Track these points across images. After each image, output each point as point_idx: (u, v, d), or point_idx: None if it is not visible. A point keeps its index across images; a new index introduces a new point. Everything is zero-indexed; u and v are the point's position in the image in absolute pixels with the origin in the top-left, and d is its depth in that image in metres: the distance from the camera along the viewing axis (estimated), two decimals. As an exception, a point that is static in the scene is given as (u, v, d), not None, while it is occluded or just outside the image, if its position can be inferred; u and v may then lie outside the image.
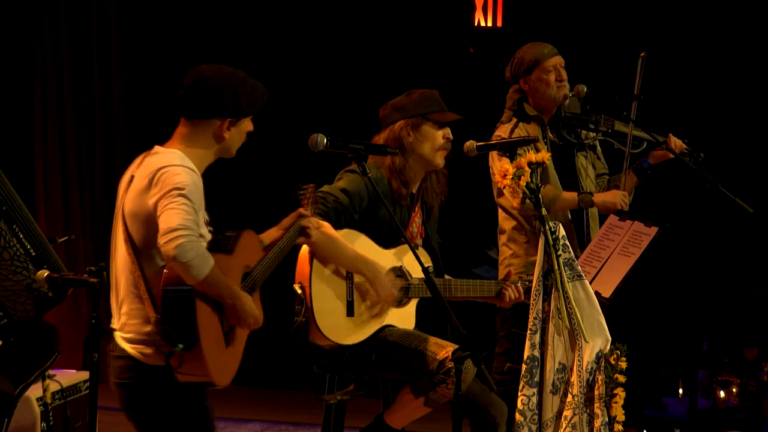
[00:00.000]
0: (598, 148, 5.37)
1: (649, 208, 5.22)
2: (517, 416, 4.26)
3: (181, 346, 3.34)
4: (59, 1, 7.86)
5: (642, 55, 5.16)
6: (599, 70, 6.55)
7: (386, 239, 4.37)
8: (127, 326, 3.50)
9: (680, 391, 6.97)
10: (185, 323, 3.36)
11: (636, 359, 4.52)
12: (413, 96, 4.48)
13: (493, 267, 5.28)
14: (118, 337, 3.52)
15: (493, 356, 5.13)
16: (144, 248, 3.45)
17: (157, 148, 3.59)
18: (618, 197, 5.06)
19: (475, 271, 4.83)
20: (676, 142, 5.20)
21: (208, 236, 3.51)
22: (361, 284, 4.25)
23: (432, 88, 4.55)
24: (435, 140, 4.43)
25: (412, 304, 4.41)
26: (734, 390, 6.74)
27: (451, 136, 4.47)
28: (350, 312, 4.24)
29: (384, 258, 4.33)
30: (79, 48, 7.89)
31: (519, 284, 4.50)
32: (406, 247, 4.33)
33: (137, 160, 3.59)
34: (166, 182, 3.40)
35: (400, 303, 4.37)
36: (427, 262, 4.40)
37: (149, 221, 3.41)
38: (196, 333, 3.36)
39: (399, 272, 4.36)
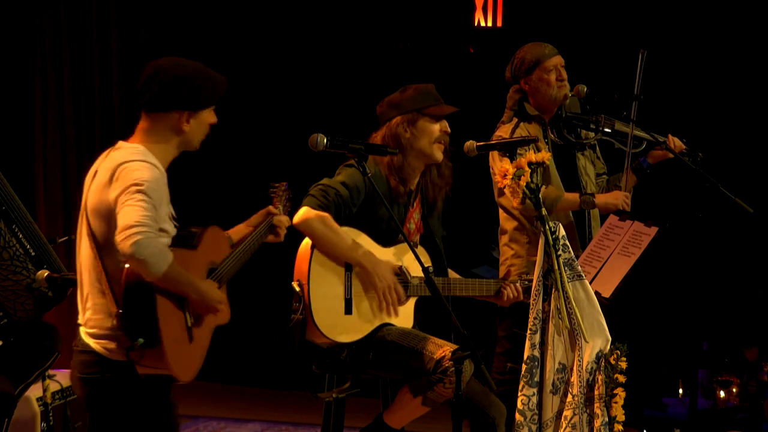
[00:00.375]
0: (597, 147, 5.37)
1: (649, 208, 5.22)
2: (517, 416, 4.26)
3: (141, 340, 3.34)
4: (59, 1, 7.86)
5: (642, 51, 5.16)
6: (599, 70, 6.55)
7: (385, 237, 4.38)
8: (90, 321, 3.50)
9: (680, 391, 6.97)
10: (146, 317, 3.36)
11: (636, 359, 4.52)
12: (408, 92, 4.47)
13: (493, 267, 5.28)
14: (83, 332, 3.52)
15: (492, 356, 5.14)
16: (105, 243, 3.45)
17: (120, 143, 3.59)
18: (620, 198, 5.07)
19: (475, 271, 4.83)
20: (675, 142, 5.20)
21: (173, 231, 3.51)
22: (361, 276, 4.25)
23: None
24: (432, 134, 4.42)
25: (411, 303, 4.41)
26: (734, 390, 6.74)
27: (448, 129, 4.46)
28: (348, 310, 4.25)
29: (384, 257, 4.33)
30: (79, 48, 7.89)
31: (518, 283, 4.50)
32: (405, 245, 4.33)
33: (102, 156, 3.59)
34: (126, 178, 3.41)
35: (399, 301, 4.37)
36: (427, 262, 4.40)
37: (110, 216, 3.41)
38: (157, 327, 3.36)
39: (398, 271, 4.36)
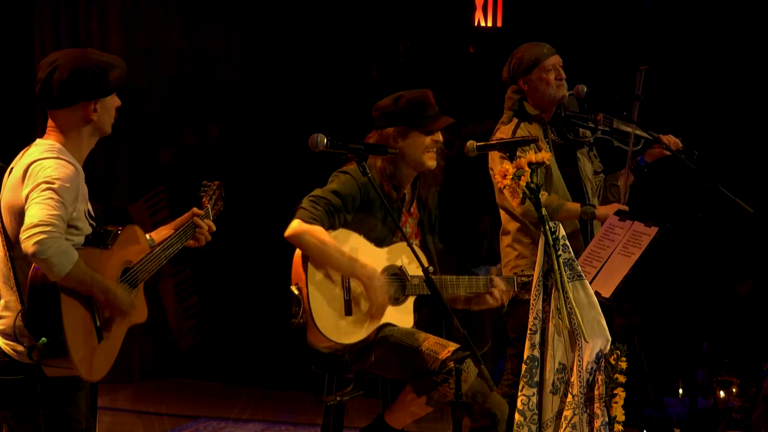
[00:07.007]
0: (593, 146, 5.37)
1: (649, 208, 5.22)
2: (517, 416, 4.26)
3: (44, 339, 3.33)
4: (59, 4, 7.86)
5: (643, 68, 5.17)
6: (599, 69, 6.56)
7: (380, 238, 4.37)
8: (2, 318, 3.49)
9: (680, 391, 6.97)
10: (49, 316, 3.35)
11: (636, 359, 4.52)
12: (401, 102, 4.43)
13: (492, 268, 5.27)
14: None
15: (492, 356, 5.14)
16: (16, 241, 3.43)
17: (37, 140, 3.59)
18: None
19: (474, 270, 4.83)
20: (670, 140, 5.20)
21: (88, 230, 3.50)
22: (357, 287, 4.25)
23: (432, 88, 4.51)
24: (422, 145, 4.41)
25: (410, 302, 4.40)
26: (734, 390, 6.74)
27: (440, 138, 4.44)
28: (348, 311, 4.24)
29: (378, 257, 4.33)
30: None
31: (516, 279, 4.49)
32: (401, 245, 4.34)
33: (20, 154, 3.58)
34: (37, 175, 3.41)
35: (398, 301, 4.37)
36: (426, 262, 4.40)
37: (22, 214, 3.40)
38: (61, 326, 3.34)
39: (395, 270, 4.35)
